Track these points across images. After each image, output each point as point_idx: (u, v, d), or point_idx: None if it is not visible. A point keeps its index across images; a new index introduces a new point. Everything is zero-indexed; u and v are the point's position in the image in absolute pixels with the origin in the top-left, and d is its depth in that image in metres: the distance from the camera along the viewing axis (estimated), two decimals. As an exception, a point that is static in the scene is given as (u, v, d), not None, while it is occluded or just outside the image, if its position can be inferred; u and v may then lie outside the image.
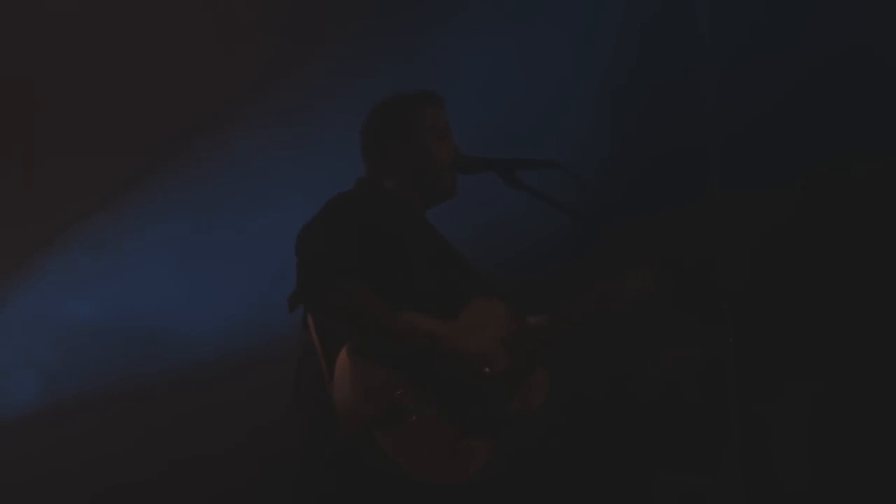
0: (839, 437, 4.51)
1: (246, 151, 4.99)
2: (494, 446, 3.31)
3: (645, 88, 5.08)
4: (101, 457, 4.82)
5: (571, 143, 4.79)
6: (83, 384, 4.90)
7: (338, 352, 3.22)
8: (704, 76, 5.03)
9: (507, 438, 3.36)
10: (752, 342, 4.50)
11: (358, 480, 3.21)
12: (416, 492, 3.20)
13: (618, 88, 5.04)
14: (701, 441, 4.57)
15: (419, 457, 3.18)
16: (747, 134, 4.91)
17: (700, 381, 4.59)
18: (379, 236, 3.35)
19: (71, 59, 4.85)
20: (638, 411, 4.77)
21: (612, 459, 4.82)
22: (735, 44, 4.96)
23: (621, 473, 4.77)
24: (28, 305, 4.80)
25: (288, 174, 4.94)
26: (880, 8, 4.78)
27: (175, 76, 4.93)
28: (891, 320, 4.55)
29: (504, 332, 3.40)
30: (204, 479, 4.86)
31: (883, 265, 4.63)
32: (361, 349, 3.18)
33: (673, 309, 4.38)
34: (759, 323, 4.58)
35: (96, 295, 4.82)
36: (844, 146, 4.73)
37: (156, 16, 4.88)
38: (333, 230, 3.34)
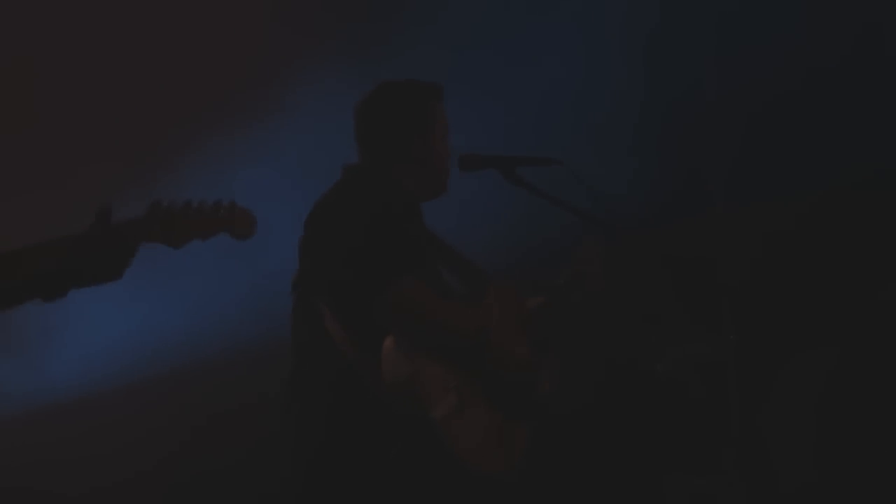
0: (841, 434, 4.56)
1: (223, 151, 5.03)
2: (529, 431, 3.42)
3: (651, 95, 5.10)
4: (96, 456, 4.86)
5: (575, 145, 4.80)
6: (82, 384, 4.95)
7: (367, 340, 3.22)
8: (711, 82, 5.05)
9: (537, 422, 3.49)
10: (753, 339, 4.55)
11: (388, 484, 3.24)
12: (460, 483, 3.26)
13: (621, 92, 5.08)
14: (707, 440, 4.63)
15: (475, 447, 3.26)
16: (754, 143, 4.94)
17: (704, 377, 4.65)
18: (409, 233, 3.36)
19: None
20: (644, 407, 4.83)
21: (618, 457, 4.86)
22: (741, 49, 4.99)
23: (628, 472, 4.82)
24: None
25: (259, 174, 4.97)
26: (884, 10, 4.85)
27: (154, 76, 4.94)
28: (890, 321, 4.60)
29: (519, 317, 3.49)
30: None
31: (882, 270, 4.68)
32: (414, 342, 3.20)
33: (676, 305, 4.53)
34: (760, 321, 4.63)
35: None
36: (853, 155, 4.76)
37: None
38: (378, 224, 3.31)
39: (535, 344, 3.51)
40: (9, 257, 2.58)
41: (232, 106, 5.01)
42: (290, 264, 3.45)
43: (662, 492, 4.66)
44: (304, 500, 3.40)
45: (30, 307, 2.68)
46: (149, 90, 4.94)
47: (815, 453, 4.54)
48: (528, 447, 3.43)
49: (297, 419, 3.41)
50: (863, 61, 4.81)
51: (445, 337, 3.27)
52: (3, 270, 2.59)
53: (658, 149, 5.10)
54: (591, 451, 4.79)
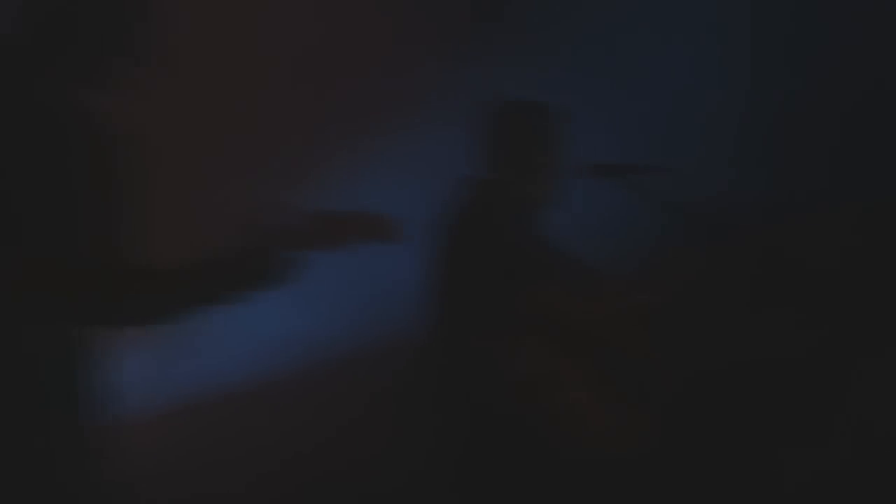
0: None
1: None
2: (628, 407, 3.66)
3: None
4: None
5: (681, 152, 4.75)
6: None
7: (499, 331, 3.55)
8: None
9: (642, 399, 3.71)
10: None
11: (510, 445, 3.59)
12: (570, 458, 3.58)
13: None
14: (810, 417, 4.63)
15: (593, 422, 3.56)
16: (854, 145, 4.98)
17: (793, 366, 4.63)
18: (521, 239, 3.73)
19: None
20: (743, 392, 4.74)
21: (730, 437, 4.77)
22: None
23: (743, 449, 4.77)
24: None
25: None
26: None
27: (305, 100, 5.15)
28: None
29: (626, 310, 3.74)
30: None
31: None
32: (545, 337, 3.54)
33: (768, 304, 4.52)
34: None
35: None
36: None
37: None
38: (493, 230, 3.67)
39: (634, 335, 3.72)
40: (183, 272, 2.60)
41: (368, 126, 5.14)
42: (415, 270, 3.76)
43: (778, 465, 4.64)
44: (462, 468, 3.72)
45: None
46: (297, 114, 5.10)
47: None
48: (644, 428, 3.62)
49: (443, 405, 3.74)
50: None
51: (568, 331, 3.56)
52: (175, 283, 2.61)
53: (760, 153, 5.14)
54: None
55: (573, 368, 3.56)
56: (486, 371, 3.62)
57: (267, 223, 2.67)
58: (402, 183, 4.91)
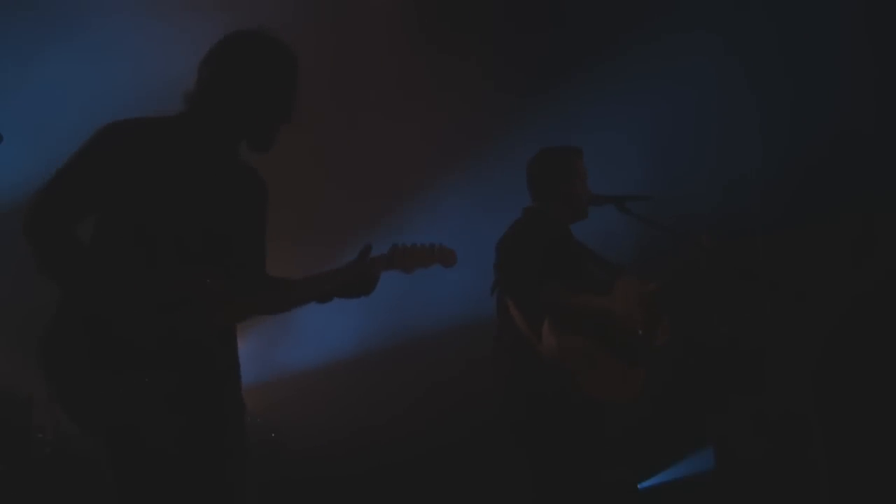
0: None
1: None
2: (646, 371, 4.23)
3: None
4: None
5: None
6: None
7: (537, 320, 4.04)
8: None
9: (653, 365, 4.24)
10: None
11: (553, 406, 4.07)
12: (596, 409, 4.10)
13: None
14: (753, 371, 5.45)
15: (603, 386, 4.05)
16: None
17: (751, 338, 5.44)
18: (557, 250, 4.29)
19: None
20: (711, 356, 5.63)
21: (695, 387, 5.89)
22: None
23: (702, 396, 5.89)
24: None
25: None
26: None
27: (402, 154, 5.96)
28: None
29: (640, 296, 4.27)
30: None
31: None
32: (559, 323, 4.04)
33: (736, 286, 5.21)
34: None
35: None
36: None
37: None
38: (532, 246, 4.22)
39: (651, 313, 4.25)
40: (303, 281, 3.10)
41: (452, 168, 5.93)
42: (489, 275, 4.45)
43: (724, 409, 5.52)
44: (506, 408, 4.28)
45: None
46: (394, 159, 5.90)
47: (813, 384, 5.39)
48: (648, 380, 4.17)
49: (498, 364, 4.33)
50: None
51: (577, 318, 4.06)
52: (301, 290, 3.10)
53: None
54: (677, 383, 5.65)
55: (575, 341, 4.09)
56: (522, 340, 4.16)
57: (366, 253, 3.10)
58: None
